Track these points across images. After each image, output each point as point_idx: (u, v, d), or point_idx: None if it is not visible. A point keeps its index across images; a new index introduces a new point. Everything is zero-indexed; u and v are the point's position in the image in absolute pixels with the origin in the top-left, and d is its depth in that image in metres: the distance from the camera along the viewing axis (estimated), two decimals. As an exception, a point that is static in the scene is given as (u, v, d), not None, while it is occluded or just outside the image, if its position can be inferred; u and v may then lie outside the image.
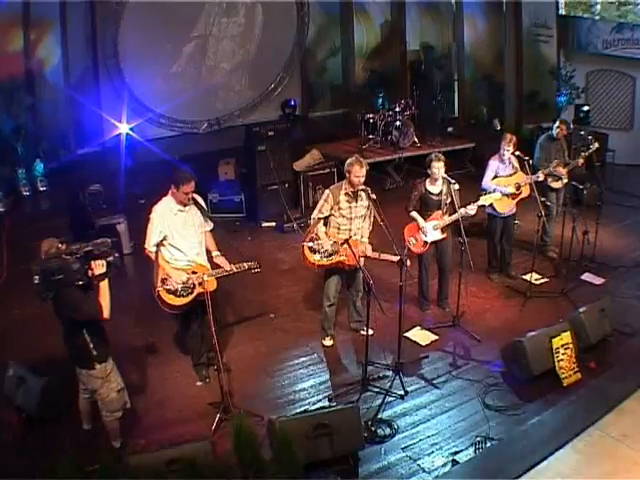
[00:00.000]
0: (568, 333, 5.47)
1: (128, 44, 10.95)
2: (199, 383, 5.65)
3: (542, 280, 7.36)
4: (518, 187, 7.04)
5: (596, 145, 7.76)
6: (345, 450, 4.54)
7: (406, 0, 13.16)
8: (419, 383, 5.61)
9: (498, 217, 7.23)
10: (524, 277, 7.33)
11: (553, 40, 12.08)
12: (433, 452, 4.74)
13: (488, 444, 4.66)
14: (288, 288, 7.51)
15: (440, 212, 6.48)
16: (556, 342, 5.39)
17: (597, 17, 11.87)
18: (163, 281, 5.16)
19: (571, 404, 5.08)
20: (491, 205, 7.08)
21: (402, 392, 5.42)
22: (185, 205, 5.24)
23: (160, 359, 6.03)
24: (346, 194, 5.85)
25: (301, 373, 5.84)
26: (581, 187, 8.51)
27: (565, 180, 7.71)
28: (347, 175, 5.82)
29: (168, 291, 5.16)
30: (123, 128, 10.92)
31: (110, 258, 4.30)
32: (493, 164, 7.12)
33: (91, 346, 4.35)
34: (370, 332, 6.07)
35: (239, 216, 9.86)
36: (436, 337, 6.32)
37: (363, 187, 5.78)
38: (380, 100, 13.34)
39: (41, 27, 10.14)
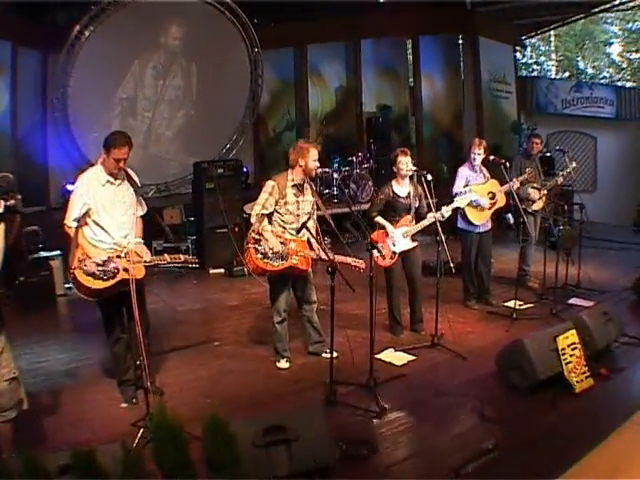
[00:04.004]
0: (574, 331, 4.57)
1: (78, 99, 10.25)
2: (124, 405, 4.51)
3: (527, 305, 6.52)
4: (493, 196, 6.35)
5: (574, 165, 7.19)
6: (309, 464, 3.38)
7: (362, 63, 13.01)
8: (398, 401, 4.50)
9: (473, 233, 6.46)
10: (506, 304, 6.51)
11: (513, 96, 12.00)
12: (424, 469, 3.61)
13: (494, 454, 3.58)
14: (235, 320, 6.54)
15: (409, 217, 5.69)
16: (561, 341, 4.46)
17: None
18: (80, 261, 4.15)
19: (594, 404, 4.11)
20: (465, 218, 6.36)
21: (378, 409, 4.32)
22: (115, 177, 4.34)
23: (81, 382, 4.97)
24: (294, 186, 5.02)
25: (249, 396, 4.67)
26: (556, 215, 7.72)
27: (542, 203, 7.05)
28: (301, 162, 4.96)
29: (85, 272, 4.13)
30: (70, 187, 10.06)
31: (11, 202, 3.38)
32: (463, 171, 6.42)
33: None
34: (334, 354, 5.14)
35: (184, 266, 8.83)
36: (413, 357, 5.31)
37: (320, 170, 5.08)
38: (336, 165, 12.90)
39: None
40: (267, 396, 4.66)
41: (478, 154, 6.29)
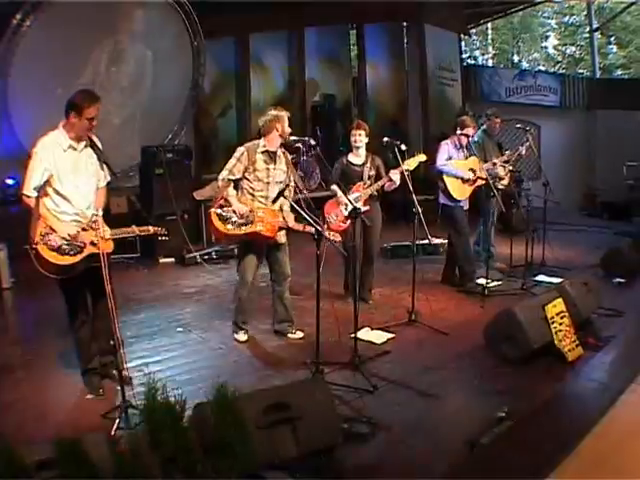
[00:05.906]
0: (561, 300, 4.49)
1: (19, 90, 9.47)
2: (90, 396, 4.04)
3: (495, 283, 6.44)
4: (474, 173, 6.29)
5: (531, 139, 7.17)
6: (316, 444, 3.08)
7: (305, 52, 12.74)
8: (388, 378, 4.25)
9: (459, 207, 6.32)
10: (475, 282, 6.42)
11: (458, 84, 12.01)
12: (433, 445, 3.38)
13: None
14: (195, 307, 6.15)
15: (362, 183, 5.69)
16: (550, 310, 4.38)
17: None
18: (44, 235, 3.71)
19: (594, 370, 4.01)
20: (446, 193, 6.24)
21: (369, 387, 4.07)
22: (79, 142, 3.90)
23: (38, 375, 4.43)
24: (264, 153, 4.85)
25: (226, 379, 4.27)
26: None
27: (508, 179, 7.03)
28: (278, 126, 4.84)
29: (50, 247, 3.70)
30: (10, 182, 9.32)
31: None
32: (445, 146, 6.35)
33: None
34: (300, 335, 5.10)
35: (133, 256, 8.35)
36: (392, 335, 5.10)
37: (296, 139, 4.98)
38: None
39: None
40: (248, 378, 4.29)
41: (469, 135, 6.25)
